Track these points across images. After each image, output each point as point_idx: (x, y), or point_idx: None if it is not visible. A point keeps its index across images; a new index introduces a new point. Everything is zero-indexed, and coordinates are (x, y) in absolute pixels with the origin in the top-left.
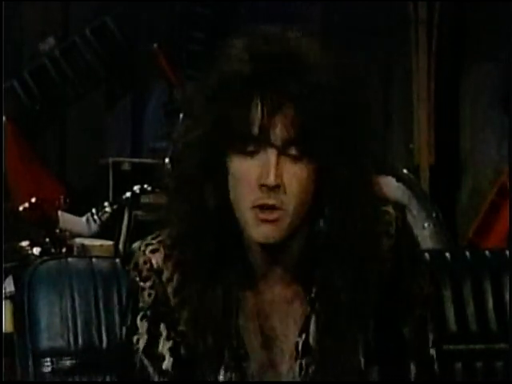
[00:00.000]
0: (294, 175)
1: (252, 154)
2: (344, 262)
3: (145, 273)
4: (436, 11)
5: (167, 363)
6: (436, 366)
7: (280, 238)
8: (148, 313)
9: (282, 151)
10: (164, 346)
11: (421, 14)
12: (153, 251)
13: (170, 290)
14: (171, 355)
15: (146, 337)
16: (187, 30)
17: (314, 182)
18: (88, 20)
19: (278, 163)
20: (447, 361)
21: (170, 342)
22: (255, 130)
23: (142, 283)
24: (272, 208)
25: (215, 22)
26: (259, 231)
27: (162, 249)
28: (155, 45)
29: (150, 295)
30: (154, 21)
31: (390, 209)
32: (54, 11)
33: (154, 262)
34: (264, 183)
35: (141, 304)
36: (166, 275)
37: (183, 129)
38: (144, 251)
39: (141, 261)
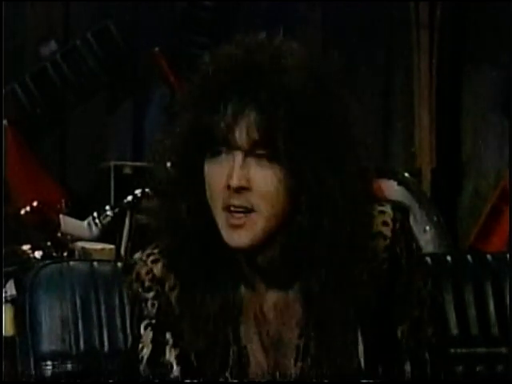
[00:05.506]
0: (264, 178)
1: (220, 157)
2: (325, 264)
3: (147, 283)
4: (437, 14)
5: (175, 371)
6: (429, 369)
7: (252, 243)
8: (153, 321)
9: (248, 153)
10: (171, 354)
11: (422, 16)
12: (154, 261)
13: (173, 299)
14: (178, 363)
15: (150, 346)
16: (188, 34)
17: (288, 186)
18: (89, 24)
19: (244, 165)
20: (448, 364)
21: (177, 349)
22: (220, 133)
23: (144, 294)
24: (240, 211)
25: (217, 26)
26: (230, 236)
27: (162, 258)
28: (156, 48)
29: (153, 305)
30: (156, 24)
31: (388, 209)
32: (56, 15)
33: (156, 271)
34: (229, 184)
35: (145, 312)
36: (168, 284)
37: (161, 135)
38: (145, 261)
39: (143, 271)
